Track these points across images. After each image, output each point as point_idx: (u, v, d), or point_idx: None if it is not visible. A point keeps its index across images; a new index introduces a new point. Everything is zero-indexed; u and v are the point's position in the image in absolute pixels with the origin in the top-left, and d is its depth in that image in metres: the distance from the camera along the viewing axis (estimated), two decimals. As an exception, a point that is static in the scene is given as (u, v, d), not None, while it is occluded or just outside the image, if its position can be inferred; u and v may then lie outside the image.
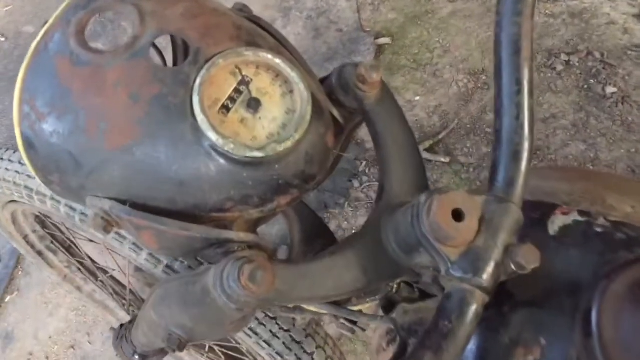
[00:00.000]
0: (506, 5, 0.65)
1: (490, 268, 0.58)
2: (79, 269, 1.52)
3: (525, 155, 0.62)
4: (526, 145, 0.62)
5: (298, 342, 1.12)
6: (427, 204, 0.59)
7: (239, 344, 1.20)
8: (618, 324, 0.59)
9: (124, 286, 1.48)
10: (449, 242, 0.58)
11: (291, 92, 0.63)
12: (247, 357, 1.30)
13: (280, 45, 0.69)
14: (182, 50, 0.69)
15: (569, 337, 0.62)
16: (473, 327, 0.57)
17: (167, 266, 1.03)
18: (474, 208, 0.59)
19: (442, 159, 1.92)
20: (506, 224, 0.59)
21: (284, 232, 1.81)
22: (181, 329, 0.72)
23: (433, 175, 1.91)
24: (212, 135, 0.58)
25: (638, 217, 0.69)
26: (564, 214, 0.69)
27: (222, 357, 1.42)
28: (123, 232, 1.03)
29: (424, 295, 0.74)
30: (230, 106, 0.61)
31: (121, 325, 1.20)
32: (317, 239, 0.96)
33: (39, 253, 1.47)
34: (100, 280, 1.51)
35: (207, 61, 0.61)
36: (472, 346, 0.66)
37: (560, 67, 2.00)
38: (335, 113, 0.70)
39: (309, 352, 1.13)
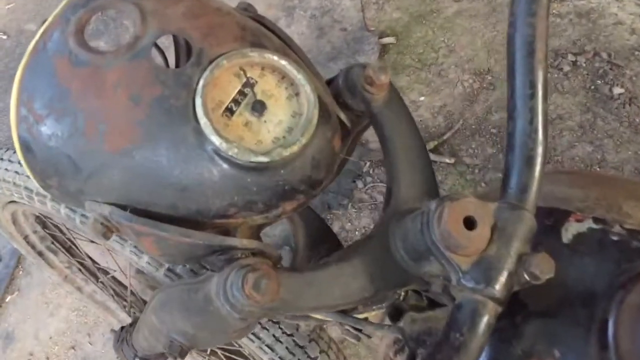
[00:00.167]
0: (520, 6, 0.63)
1: (503, 278, 0.56)
2: (80, 270, 1.51)
3: (539, 161, 0.60)
4: (540, 150, 0.60)
5: (301, 347, 1.11)
6: (438, 211, 0.57)
7: (241, 347, 1.18)
8: (635, 335, 0.57)
9: (125, 287, 1.46)
10: (460, 250, 0.56)
11: (297, 94, 0.61)
12: (249, 360, 1.29)
13: (286, 46, 0.67)
14: (184, 50, 0.67)
15: (583, 349, 0.60)
16: (485, 339, 0.55)
17: (169, 269, 1.01)
18: (486, 215, 0.58)
19: (447, 160, 1.91)
20: (519, 232, 0.58)
21: (286, 232, 1.79)
22: (183, 335, 0.71)
23: (438, 176, 1.90)
24: (216, 139, 0.56)
25: (655, 224, 0.67)
26: (578, 221, 0.67)
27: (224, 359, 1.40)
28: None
29: (433, 304, 0.72)
30: (234, 109, 0.59)
31: (122, 328, 1.19)
32: (322, 243, 0.94)
33: (40, 253, 1.46)
34: (101, 281, 1.50)
35: (210, 62, 0.59)
36: (483, 358, 0.64)
37: (567, 68, 1.98)
38: (342, 116, 0.68)
39: (313, 356, 1.12)
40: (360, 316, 0.81)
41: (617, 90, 1.92)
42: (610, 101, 1.92)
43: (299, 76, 0.61)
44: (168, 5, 0.61)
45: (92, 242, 1.34)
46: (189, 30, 0.60)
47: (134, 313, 1.40)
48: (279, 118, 0.60)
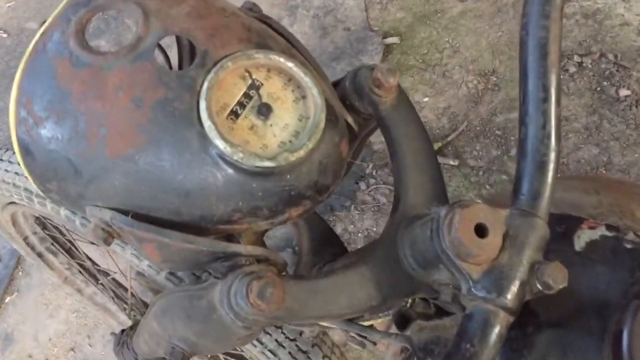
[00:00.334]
0: (533, 7, 0.61)
1: (515, 287, 0.55)
2: (80, 271, 1.50)
3: (551, 167, 0.59)
4: (553, 155, 0.59)
5: (304, 352, 1.10)
6: (448, 218, 0.56)
7: (243, 351, 1.17)
8: (650, 346, 0.55)
9: (125, 288, 1.45)
10: (471, 259, 0.55)
11: (304, 97, 0.60)
12: (251, 365, 1.28)
13: (292, 47, 0.65)
14: (188, 51, 0.65)
15: (597, 360, 0.58)
16: (497, 351, 0.54)
17: (170, 272, 1.00)
18: (498, 223, 0.56)
19: (451, 162, 1.89)
20: (532, 239, 0.56)
21: (288, 234, 1.78)
22: (184, 342, 0.70)
23: (442, 178, 1.88)
24: (220, 143, 0.55)
25: (670, 232, 0.65)
26: (591, 228, 0.66)
27: (226, 363, 1.39)
28: (125, 238, 1.00)
29: (440, 311, 0.71)
30: (240, 112, 0.58)
31: (122, 331, 1.18)
32: (326, 248, 0.93)
33: (39, 255, 1.45)
34: (101, 283, 1.48)
35: (215, 64, 0.57)
36: (493, 369, 0.62)
37: (572, 69, 1.97)
38: (350, 119, 0.67)
39: (315, 361, 1.10)
40: (366, 323, 0.80)
41: (624, 92, 1.91)
42: (616, 103, 1.90)
43: (305, 78, 0.59)
44: (172, 5, 0.59)
45: (92, 243, 1.32)
46: (193, 31, 0.58)
47: (135, 316, 1.38)
48: (285, 122, 0.59)
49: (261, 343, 1.06)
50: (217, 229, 0.62)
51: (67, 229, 1.32)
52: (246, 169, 0.56)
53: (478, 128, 1.95)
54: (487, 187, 1.86)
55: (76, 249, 1.43)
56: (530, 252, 0.56)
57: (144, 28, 0.57)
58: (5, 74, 2.25)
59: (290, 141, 0.58)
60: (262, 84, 0.59)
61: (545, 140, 0.59)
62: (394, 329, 0.75)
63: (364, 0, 2.24)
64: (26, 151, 0.60)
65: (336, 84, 0.71)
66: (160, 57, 0.66)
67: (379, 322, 0.81)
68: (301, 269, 0.92)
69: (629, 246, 0.63)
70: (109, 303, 1.56)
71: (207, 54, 0.57)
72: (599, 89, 1.93)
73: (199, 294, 0.63)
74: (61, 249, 1.45)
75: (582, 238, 0.65)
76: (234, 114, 0.57)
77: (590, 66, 1.96)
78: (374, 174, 1.91)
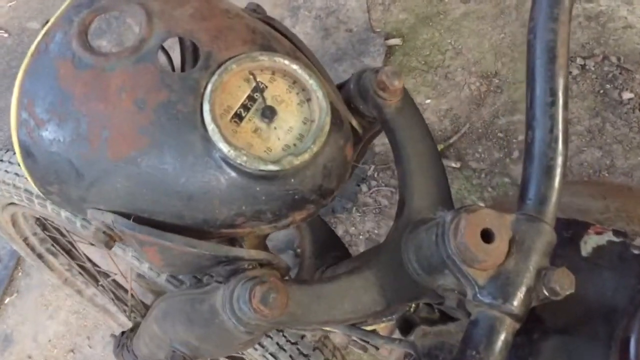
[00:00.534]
0: (541, 10, 0.61)
1: (521, 293, 0.54)
2: (80, 273, 1.50)
3: (559, 171, 0.59)
4: (560, 160, 0.59)
5: (305, 355, 1.09)
6: (454, 223, 0.55)
7: (244, 355, 1.16)
8: (659, 354, 0.55)
9: (125, 290, 1.45)
10: (477, 264, 0.55)
11: (309, 100, 0.59)
12: (252, 368, 1.27)
13: (297, 50, 0.64)
14: (191, 53, 0.64)
15: (604, 367, 0.58)
16: (503, 358, 0.54)
17: (171, 275, 1.00)
18: (504, 228, 0.56)
19: (453, 164, 1.88)
20: (538, 245, 0.56)
21: (290, 236, 1.77)
22: (185, 346, 0.69)
23: (444, 180, 1.87)
24: (224, 147, 0.54)
25: (678, 238, 0.65)
26: (598, 233, 0.65)
27: (226, 366, 1.39)
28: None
29: (445, 317, 0.70)
30: (244, 115, 0.57)
31: (122, 333, 1.17)
32: (329, 251, 0.92)
33: (39, 256, 1.44)
34: (101, 285, 1.48)
35: (218, 66, 0.56)
36: (498, 376, 0.61)
37: (575, 72, 1.96)
38: (354, 122, 0.66)
39: (316, 365, 1.10)
40: (369, 328, 0.79)
41: (627, 94, 1.90)
42: (619, 106, 1.89)
43: (310, 81, 0.59)
44: (175, 7, 0.59)
45: (93, 245, 1.32)
46: (197, 32, 0.58)
47: (135, 318, 1.38)
48: (290, 125, 0.58)
49: (262, 346, 1.05)
50: (220, 232, 0.61)
51: (67, 230, 1.32)
52: (250, 172, 0.55)
53: (480, 130, 1.94)
54: (489, 189, 1.85)
55: (76, 250, 1.42)
56: (536, 258, 0.55)
57: (147, 29, 0.57)
58: (7, 74, 2.24)
59: (294, 144, 0.58)
60: (266, 87, 0.58)
61: (552, 144, 0.58)
62: (397, 334, 0.74)
63: (366, 1, 2.23)
64: (27, 153, 0.59)
65: (340, 87, 0.70)
66: (162, 59, 0.66)
67: (382, 327, 0.81)
68: (303, 272, 0.91)
69: (636, 252, 0.63)
70: (109, 304, 1.55)
71: (211, 55, 0.57)
72: (601, 91, 1.92)
73: (200, 298, 0.63)
74: (61, 250, 1.44)
75: (589, 243, 0.65)
76: (238, 117, 0.57)
77: (593, 69, 1.96)
78: (375, 176, 1.91)
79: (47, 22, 0.60)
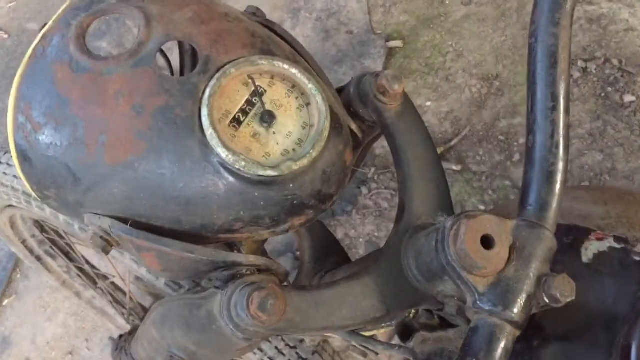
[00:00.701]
0: (542, 14, 0.60)
1: (521, 300, 0.54)
2: (79, 275, 1.49)
3: (560, 177, 0.58)
4: (561, 165, 0.58)
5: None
6: (454, 229, 0.55)
7: (242, 359, 1.16)
8: (660, 361, 0.54)
9: (124, 292, 1.44)
10: (477, 271, 0.54)
11: (308, 104, 0.59)
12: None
13: (297, 54, 0.64)
14: (190, 57, 0.64)
15: (605, 375, 0.57)
16: (503, 366, 0.53)
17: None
18: (505, 234, 0.55)
19: (454, 167, 1.88)
20: (539, 252, 0.56)
21: (289, 239, 1.77)
22: (183, 351, 0.69)
23: (444, 183, 1.86)
24: (222, 152, 0.54)
25: (680, 244, 0.64)
26: (599, 239, 0.64)
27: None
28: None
29: (444, 323, 0.70)
30: (242, 119, 0.57)
31: (120, 336, 1.17)
32: (328, 256, 0.92)
33: (38, 258, 1.44)
34: (100, 287, 1.47)
35: (217, 70, 0.56)
36: (498, 383, 0.61)
37: (577, 74, 1.95)
38: (354, 127, 0.66)
39: (316, 369, 1.09)
40: (368, 333, 0.79)
41: (628, 97, 1.90)
42: (621, 109, 1.89)
43: (310, 85, 0.58)
44: (174, 10, 0.58)
45: (92, 247, 1.31)
46: (196, 36, 0.57)
47: (133, 320, 1.37)
48: (289, 129, 0.58)
49: (261, 350, 1.05)
50: (218, 238, 0.61)
51: (65, 233, 1.31)
52: (248, 177, 0.55)
53: (481, 133, 1.93)
54: (490, 192, 1.85)
55: (75, 252, 1.42)
56: (537, 265, 0.55)
57: (146, 33, 0.56)
58: (6, 75, 2.23)
59: (293, 149, 0.57)
60: (265, 91, 0.58)
61: (553, 149, 0.58)
62: (396, 340, 0.74)
63: (367, 3, 2.22)
64: (24, 157, 0.59)
65: (340, 91, 0.70)
66: (161, 62, 0.65)
67: (382, 333, 0.80)
68: (302, 276, 0.91)
69: (637, 258, 0.62)
70: (108, 307, 1.54)
71: (210, 59, 0.56)
72: (603, 94, 1.92)
73: (198, 303, 0.62)
74: (60, 253, 1.44)
75: (590, 250, 0.64)
76: (237, 122, 0.56)
77: (594, 72, 1.95)
78: (375, 178, 1.90)
79: (44, 25, 0.59)
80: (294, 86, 0.59)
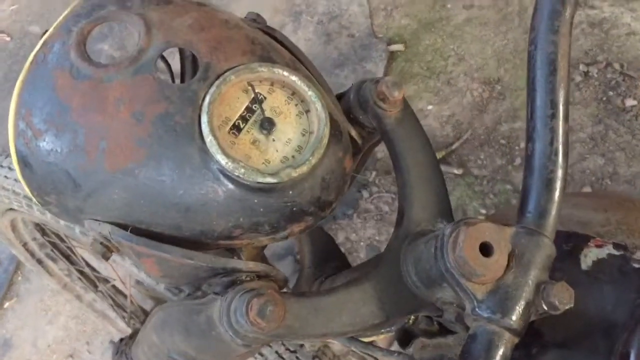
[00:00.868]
0: (541, 22, 0.60)
1: (520, 308, 0.54)
2: (79, 278, 1.49)
3: (559, 184, 0.58)
4: (560, 173, 0.58)
5: (304, 364, 1.08)
6: (453, 237, 0.55)
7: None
8: (659, 369, 0.55)
9: (124, 296, 1.44)
10: (475, 278, 0.55)
11: (307, 111, 0.59)
12: (251, 376, 1.27)
13: (297, 60, 0.64)
14: (191, 63, 0.64)
15: (603, 383, 0.57)
16: (501, 373, 0.53)
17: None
18: (503, 241, 0.55)
19: (455, 171, 1.88)
20: (538, 259, 0.56)
21: (291, 242, 1.77)
22: (183, 356, 0.69)
23: (445, 187, 1.86)
24: (221, 159, 0.54)
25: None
26: (598, 246, 0.65)
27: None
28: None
29: (444, 329, 0.70)
30: (242, 126, 0.57)
31: (121, 340, 1.17)
32: (328, 261, 0.92)
33: (39, 261, 1.44)
34: (100, 290, 1.47)
35: (217, 77, 0.56)
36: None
37: (578, 78, 1.95)
38: (354, 133, 0.66)
39: (316, 374, 1.09)
40: (367, 339, 0.79)
41: (630, 102, 1.89)
42: (622, 113, 1.89)
43: (309, 92, 0.58)
44: (174, 17, 0.58)
45: (93, 250, 1.31)
46: (196, 43, 0.57)
47: (134, 324, 1.37)
48: (288, 136, 0.58)
49: (261, 355, 1.04)
50: (218, 244, 0.61)
51: (66, 236, 1.31)
52: (247, 184, 0.55)
53: (482, 137, 1.93)
54: (491, 196, 1.85)
55: (75, 255, 1.42)
56: (536, 272, 0.55)
57: (146, 40, 0.56)
58: (8, 78, 2.24)
59: (293, 156, 0.57)
60: (265, 98, 0.58)
61: (552, 156, 0.58)
62: (396, 346, 0.74)
63: (368, 6, 2.23)
64: (25, 163, 0.59)
65: (340, 97, 0.70)
66: (162, 67, 0.66)
67: (381, 338, 0.80)
68: (303, 282, 0.91)
69: (636, 265, 0.62)
70: (109, 310, 1.54)
71: (210, 67, 0.57)
72: (604, 98, 1.92)
73: (198, 309, 0.62)
74: (61, 256, 1.44)
75: (589, 257, 0.64)
76: (236, 129, 0.57)
77: (596, 75, 1.95)
78: (376, 182, 1.90)
79: (45, 31, 0.60)
80: (294, 93, 0.59)
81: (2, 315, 1.93)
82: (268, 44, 0.62)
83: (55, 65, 0.57)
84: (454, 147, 1.92)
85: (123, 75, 0.55)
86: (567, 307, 0.53)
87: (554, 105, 0.59)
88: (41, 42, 0.59)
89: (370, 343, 0.78)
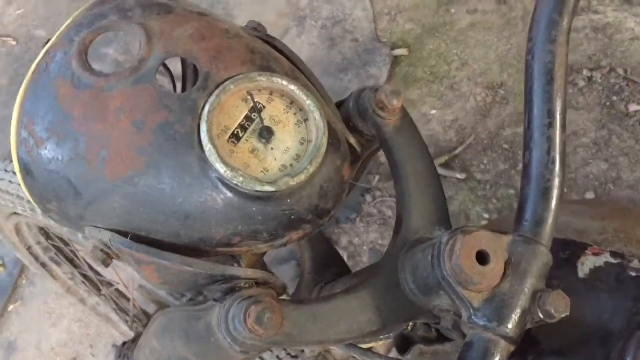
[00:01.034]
0: (539, 32, 0.61)
1: (516, 316, 0.54)
2: (83, 282, 1.50)
3: (556, 193, 0.59)
4: (557, 182, 0.59)
5: (306, 369, 1.08)
6: (450, 245, 0.55)
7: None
8: (655, 378, 0.55)
9: (128, 299, 1.45)
10: (472, 286, 0.55)
11: (306, 120, 0.59)
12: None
13: (297, 70, 0.64)
14: (192, 72, 0.65)
15: (599, 391, 0.58)
16: (497, 381, 0.53)
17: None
18: (500, 250, 0.56)
19: (458, 176, 1.88)
20: (534, 267, 0.56)
21: (294, 247, 1.77)
22: (183, 362, 0.69)
23: (448, 192, 1.86)
24: (220, 167, 0.54)
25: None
26: (595, 254, 0.65)
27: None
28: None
29: (442, 336, 0.70)
30: (241, 135, 0.57)
31: (124, 344, 1.17)
32: (328, 267, 0.93)
33: (43, 265, 1.44)
34: (104, 294, 1.48)
35: (217, 87, 0.57)
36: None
37: (582, 83, 1.95)
38: (352, 141, 0.66)
39: (318, 379, 1.09)
40: (366, 346, 0.79)
41: (634, 107, 1.89)
42: (626, 118, 1.88)
43: (308, 102, 0.59)
44: (175, 27, 0.59)
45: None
46: (196, 53, 0.58)
47: (137, 328, 1.38)
48: (287, 145, 0.58)
49: (262, 359, 1.05)
50: (217, 251, 0.62)
51: (70, 240, 1.32)
52: (246, 193, 0.56)
53: (486, 141, 1.93)
54: (494, 201, 1.85)
55: (79, 259, 1.42)
56: (532, 281, 0.55)
57: (147, 50, 0.57)
58: (14, 81, 2.25)
59: (291, 165, 0.58)
60: (264, 107, 0.59)
61: (550, 165, 0.59)
62: (395, 352, 0.74)
63: (372, 11, 2.23)
64: (27, 171, 0.60)
65: (340, 105, 0.70)
66: (165, 78, 0.66)
67: (380, 345, 0.80)
68: (303, 287, 0.91)
69: (633, 274, 0.63)
70: (112, 314, 1.55)
71: (210, 76, 0.57)
72: (608, 104, 1.91)
73: (197, 315, 0.63)
74: (64, 259, 1.45)
75: (587, 265, 0.65)
76: (236, 137, 0.57)
77: (599, 81, 1.95)
78: (380, 186, 1.90)
79: (48, 41, 0.60)
80: (293, 102, 0.59)
81: (6, 318, 1.94)
82: (268, 54, 0.62)
83: (57, 74, 0.58)
84: (457, 151, 1.92)
85: (124, 84, 0.56)
86: (563, 316, 0.54)
87: (551, 114, 0.59)
88: (44, 51, 0.60)
89: (369, 349, 0.78)
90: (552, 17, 0.60)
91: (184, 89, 0.63)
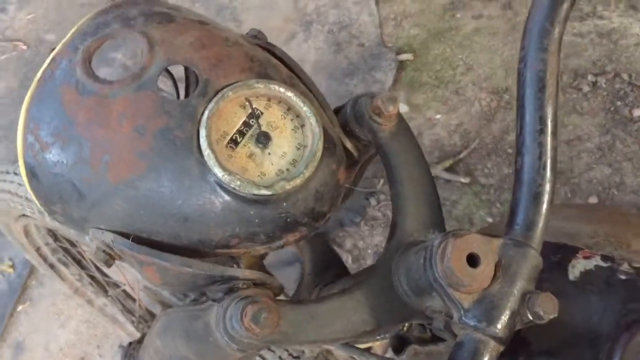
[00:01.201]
0: (531, 40, 0.62)
1: (505, 317, 0.55)
2: (90, 283, 1.52)
3: (546, 198, 0.60)
4: (548, 187, 0.60)
5: (307, 369, 1.09)
6: (441, 248, 0.56)
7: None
8: (641, 379, 0.56)
9: (134, 300, 1.47)
10: (462, 288, 0.56)
11: (302, 126, 0.61)
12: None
13: (294, 76, 0.66)
14: (194, 79, 0.67)
15: (588, 391, 0.59)
16: (487, 380, 0.54)
17: (174, 289, 1.01)
18: (491, 252, 0.57)
19: (462, 180, 1.89)
20: (524, 270, 0.57)
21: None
22: (185, 361, 0.70)
23: (452, 196, 1.88)
24: (218, 171, 0.56)
25: (665, 264, 0.65)
26: (586, 257, 0.66)
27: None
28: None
29: (436, 336, 0.71)
30: (239, 140, 0.59)
31: (130, 344, 1.19)
32: (327, 269, 0.94)
33: (51, 266, 1.46)
34: (110, 295, 1.50)
35: (216, 93, 0.58)
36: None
37: (586, 88, 1.96)
38: (349, 145, 0.68)
39: (319, 379, 1.10)
40: (363, 346, 0.80)
41: (637, 112, 1.89)
42: (630, 123, 1.89)
43: (304, 108, 0.60)
44: (176, 36, 0.61)
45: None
46: (196, 60, 0.60)
47: (142, 328, 1.40)
48: (283, 150, 0.60)
49: (263, 359, 1.06)
50: (216, 252, 0.63)
51: (77, 241, 1.34)
52: (243, 196, 0.57)
53: (490, 146, 1.94)
54: (498, 205, 1.86)
55: (86, 260, 1.44)
56: (522, 283, 0.56)
57: (149, 58, 0.59)
58: (24, 85, 2.28)
59: (287, 169, 0.59)
60: (262, 113, 0.60)
61: (541, 170, 0.60)
62: (391, 352, 0.75)
63: (378, 16, 2.25)
64: (32, 174, 0.62)
65: (338, 111, 0.72)
66: (168, 82, 0.68)
67: (377, 345, 0.82)
68: (303, 288, 0.93)
69: (623, 277, 0.64)
70: (119, 314, 1.57)
71: (209, 83, 0.59)
72: (612, 108, 1.92)
73: (197, 315, 0.64)
74: (72, 261, 1.46)
75: (577, 268, 0.66)
76: (234, 142, 0.59)
77: (604, 86, 1.96)
78: (384, 190, 1.92)
79: (53, 48, 0.62)
80: (290, 109, 0.61)
81: (15, 319, 1.96)
82: (266, 61, 0.64)
83: (62, 81, 0.60)
84: (461, 156, 1.93)
85: (126, 91, 0.58)
86: (551, 317, 0.55)
87: (542, 121, 0.60)
88: (49, 59, 0.62)
89: (367, 350, 0.80)
90: (544, 25, 0.62)
91: (187, 94, 0.64)
